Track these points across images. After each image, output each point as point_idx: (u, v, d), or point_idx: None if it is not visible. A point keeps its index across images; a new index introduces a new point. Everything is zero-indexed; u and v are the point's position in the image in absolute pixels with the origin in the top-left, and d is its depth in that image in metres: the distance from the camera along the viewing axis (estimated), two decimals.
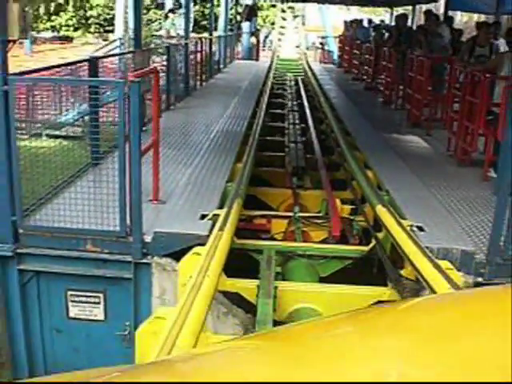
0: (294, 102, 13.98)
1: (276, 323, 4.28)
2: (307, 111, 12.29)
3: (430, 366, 0.88)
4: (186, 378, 1.03)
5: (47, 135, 14.89)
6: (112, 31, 31.80)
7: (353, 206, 6.72)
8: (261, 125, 9.78)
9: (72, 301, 4.93)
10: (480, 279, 4.57)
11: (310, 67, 21.74)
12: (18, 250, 4.78)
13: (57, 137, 14.65)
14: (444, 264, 3.82)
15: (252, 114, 10.78)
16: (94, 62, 6.17)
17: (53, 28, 33.76)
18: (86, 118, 9.27)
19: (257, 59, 26.39)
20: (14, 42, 4.32)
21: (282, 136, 10.28)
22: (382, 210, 5.15)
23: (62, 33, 36.13)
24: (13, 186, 4.61)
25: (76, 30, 37.42)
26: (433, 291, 3.59)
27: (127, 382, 1.11)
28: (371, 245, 5.50)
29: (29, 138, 15.05)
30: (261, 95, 13.50)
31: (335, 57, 25.93)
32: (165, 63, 10.67)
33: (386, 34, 15.76)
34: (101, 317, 4.96)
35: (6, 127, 4.44)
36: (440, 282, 3.46)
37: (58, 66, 6.04)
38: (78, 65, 6.60)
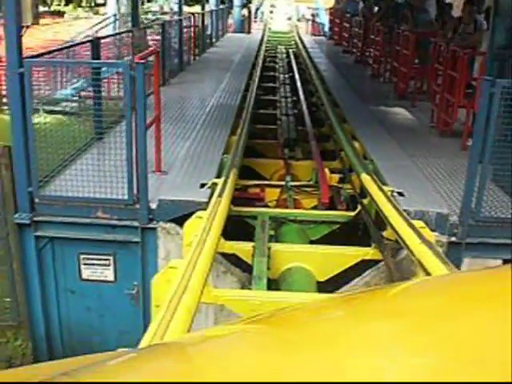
0: (286, 76, 14.30)
1: (270, 281, 4.75)
2: (298, 84, 12.64)
3: (425, 350, 0.88)
4: (180, 364, 1.02)
5: (45, 111, 15.17)
6: (103, 4, 31.75)
7: (341, 175, 7.16)
8: (254, 98, 10.15)
9: (84, 264, 5.41)
10: (453, 239, 5.07)
11: (301, 40, 21.95)
12: (35, 218, 5.23)
13: (54, 112, 14.97)
14: (417, 223, 4.29)
15: (245, 87, 11.13)
16: (96, 43, 6.53)
17: (44, 2, 33.63)
18: (82, 93, 9.64)
19: (248, 32, 26.48)
20: (27, 27, 4.69)
21: (274, 109, 10.65)
22: (366, 178, 5.61)
23: (53, 8, 35.99)
24: (29, 159, 5.03)
25: (67, 4, 37.25)
26: (406, 247, 4.07)
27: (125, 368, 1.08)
28: (357, 210, 5.96)
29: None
30: (253, 69, 13.80)
31: (326, 29, 26.11)
32: (158, 38, 10.95)
33: (376, 8, 16.01)
34: (111, 278, 5.44)
35: (23, 106, 4.83)
36: (413, 239, 3.93)
37: (67, 47, 6.39)
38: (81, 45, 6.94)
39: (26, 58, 4.84)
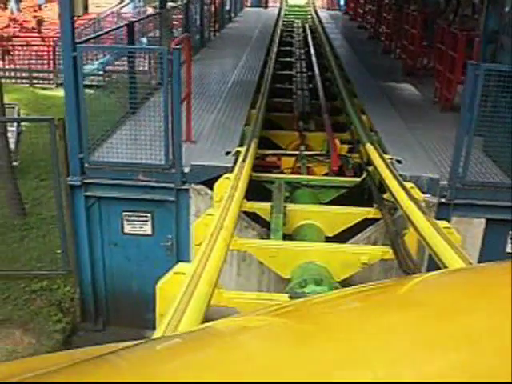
0: (302, 51, 14.93)
1: (284, 236, 5.57)
2: (313, 59, 13.29)
3: (440, 341, 0.88)
4: (192, 354, 1.01)
5: None
6: None
7: (350, 146, 7.92)
8: (271, 74, 10.85)
9: (126, 220, 6.29)
10: (443, 200, 5.86)
11: (317, 14, 22.40)
12: (85, 181, 6.10)
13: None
14: (408, 184, 5.07)
15: (263, 63, 11.82)
16: (131, 26, 7.31)
17: None
18: (108, 68, 10.37)
19: (266, 6, 26.89)
20: (78, 17, 5.47)
21: (291, 83, 11.37)
22: (370, 148, 6.37)
23: None
24: (80, 130, 5.87)
25: None
26: (400, 206, 4.85)
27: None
28: (363, 176, 6.74)
29: (56, 87, 16.25)
30: (270, 45, 14.43)
31: (342, 3, 26.48)
32: (180, 17, 11.63)
33: None
34: (149, 232, 6.32)
35: (75, 84, 5.65)
36: (404, 199, 4.72)
37: (106, 33, 7.16)
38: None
39: (79, 43, 5.65)
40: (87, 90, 14.23)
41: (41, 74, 16.65)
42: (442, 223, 4.21)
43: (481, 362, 0.81)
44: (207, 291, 3.01)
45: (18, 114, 9.56)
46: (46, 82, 16.44)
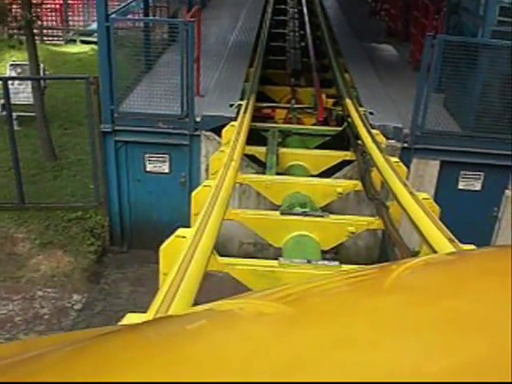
0: (295, 10, 15.90)
1: (277, 174, 6.88)
2: (306, 19, 14.31)
3: (427, 325, 0.89)
4: (182, 338, 1.00)
5: (81, 41, 17.04)
6: None
7: (335, 100, 9.18)
8: (267, 33, 11.93)
9: (148, 160, 7.61)
10: (405, 145, 7.20)
11: None
12: (114, 128, 7.38)
13: (89, 42, 16.79)
14: (375, 131, 6.38)
15: (259, 23, 12.86)
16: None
17: None
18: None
19: None
20: None
21: (284, 42, 12.49)
22: (349, 102, 7.63)
23: None
24: (111, 86, 7.11)
25: None
26: (367, 149, 6.13)
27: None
28: (343, 126, 8.03)
29: (65, 43, 17.27)
30: (266, 3, 15.33)
31: None
32: None
33: None
34: (167, 170, 7.65)
35: (108, 50, 6.86)
36: (369, 141, 6.02)
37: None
38: None
39: (111, 14, 6.85)
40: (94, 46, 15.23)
41: (50, 31, 17.56)
42: (393, 159, 5.50)
43: (468, 346, 0.81)
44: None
45: (44, 72, 10.68)
46: (55, 38, 17.38)
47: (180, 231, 3.66)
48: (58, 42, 17.13)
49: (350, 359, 0.81)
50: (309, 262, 4.25)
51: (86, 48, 17.06)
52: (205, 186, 4.74)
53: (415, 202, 4.10)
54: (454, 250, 3.57)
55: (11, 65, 11.07)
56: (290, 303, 1.10)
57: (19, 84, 10.54)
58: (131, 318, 2.53)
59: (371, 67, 9.69)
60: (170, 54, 8.70)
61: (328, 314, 1.01)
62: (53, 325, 6.61)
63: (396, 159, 5.53)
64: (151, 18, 9.07)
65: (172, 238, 3.62)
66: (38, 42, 17.16)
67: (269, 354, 0.85)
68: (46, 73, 11.17)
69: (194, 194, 4.91)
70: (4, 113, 10.45)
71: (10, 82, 9.83)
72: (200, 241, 3.41)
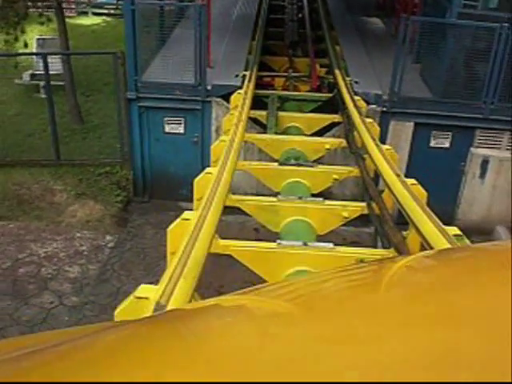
0: None
1: (277, 133, 8.13)
2: None
3: (423, 320, 0.89)
4: (182, 334, 1.02)
5: (93, 13, 18.05)
6: None
7: (327, 69, 10.37)
8: (267, 6, 13.00)
9: (166, 123, 8.86)
10: (384, 109, 8.44)
11: None
12: (138, 95, 8.61)
13: (100, 14, 17.82)
14: (356, 98, 7.60)
15: None
16: None
17: None
18: None
19: None
20: None
21: (283, 14, 13.57)
22: (336, 72, 8.83)
23: None
24: (136, 59, 8.32)
25: None
26: (351, 113, 7.35)
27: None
28: (334, 92, 9.24)
29: (78, 15, 18.33)
30: None
31: None
32: None
33: None
34: (182, 131, 8.91)
35: (133, 28, 8.04)
36: (351, 105, 7.24)
37: None
38: None
39: None
40: (109, 19, 16.42)
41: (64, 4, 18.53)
42: (368, 120, 6.72)
43: (465, 340, 0.80)
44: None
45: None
46: (67, 11, 18.35)
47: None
48: (70, 15, 18.11)
49: (350, 354, 0.80)
50: (300, 198, 5.48)
51: (98, 20, 18.11)
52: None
53: (379, 152, 5.36)
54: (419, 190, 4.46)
55: (38, 39, 12.18)
56: (291, 300, 1.08)
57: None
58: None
59: (359, 39, 10.83)
60: (181, 29, 9.92)
61: (329, 310, 1.00)
62: (91, 259, 7.99)
63: (370, 120, 6.75)
64: (173, 2, 10.21)
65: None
66: (53, 15, 18.30)
67: (270, 350, 0.84)
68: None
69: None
70: (32, 82, 11.73)
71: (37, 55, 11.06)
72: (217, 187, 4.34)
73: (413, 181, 4.65)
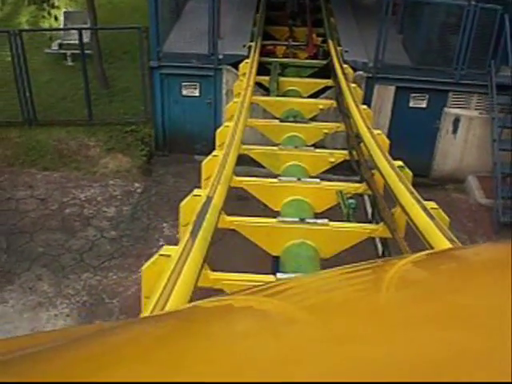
0: None
1: (278, 95, 9.51)
2: None
3: (430, 320, 0.88)
4: (176, 335, 0.99)
5: None
6: None
7: (323, 38, 11.67)
8: None
9: (184, 87, 10.25)
10: (370, 75, 9.82)
11: None
12: (160, 64, 9.99)
13: None
14: (345, 65, 8.95)
15: None
16: None
17: None
18: None
19: None
20: None
21: None
22: (330, 42, 10.15)
23: None
24: (158, 32, 9.67)
25: None
26: (337, 74, 8.71)
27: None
28: (328, 60, 10.57)
29: None
30: None
31: None
32: None
33: None
34: (197, 94, 10.31)
35: (155, 5, 9.36)
36: (340, 72, 8.61)
37: None
38: None
39: None
40: None
41: None
42: (353, 85, 8.11)
43: (472, 340, 0.79)
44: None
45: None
46: None
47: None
48: None
49: (348, 354, 0.79)
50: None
51: None
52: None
53: (358, 112, 6.77)
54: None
55: (64, 12, 13.43)
56: (288, 300, 1.07)
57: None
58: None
59: (352, 12, 12.10)
60: (193, 2, 11.24)
61: (326, 309, 0.99)
62: (124, 201, 9.51)
63: (354, 85, 8.14)
64: None
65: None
66: None
67: (267, 351, 0.83)
68: None
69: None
70: (60, 51, 13.06)
71: (63, 25, 12.39)
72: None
73: (379, 131, 6.06)
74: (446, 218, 3.90)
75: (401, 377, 0.72)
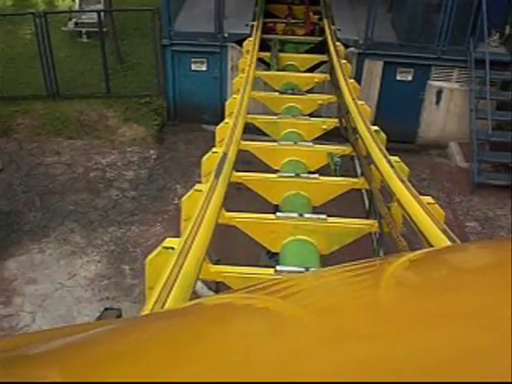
0: None
1: (278, 70, 10.50)
2: None
3: (426, 318, 0.88)
4: (177, 334, 1.00)
5: None
6: None
7: (319, 16, 12.60)
8: None
9: (193, 62, 11.26)
10: (360, 51, 10.81)
11: None
12: (171, 42, 10.97)
13: None
14: (337, 43, 9.93)
15: None
16: None
17: None
18: None
19: None
20: None
21: None
22: (325, 21, 11.08)
23: None
24: (169, 13, 10.63)
25: None
26: (330, 50, 9.70)
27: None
28: (323, 38, 11.52)
29: None
30: None
31: None
32: None
33: None
34: (205, 69, 11.32)
35: None
36: (332, 48, 9.60)
37: None
38: None
39: None
40: None
41: None
42: (343, 61, 9.11)
43: (469, 338, 0.79)
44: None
45: None
46: None
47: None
48: None
49: (347, 353, 0.79)
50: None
51: None
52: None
53: (346, 85, 7.79)
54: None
55: None
56: (289, 297, 1.07)
57: (86, 6, 13.91)
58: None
59: None
60: None
61: (327, 307, 0.99)
62: (141, 166, 10.60)
63: (345, 61, 9.14)
64: None
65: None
66: None
67: (266, 349, 0.84)
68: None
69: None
70: (76, 29, 14.00)
71: (79, 4, 13.33)
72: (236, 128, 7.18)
73: (362, 102, 7.11)
74: (406, 168, 4.98)
75: (400, 375, 0.71)
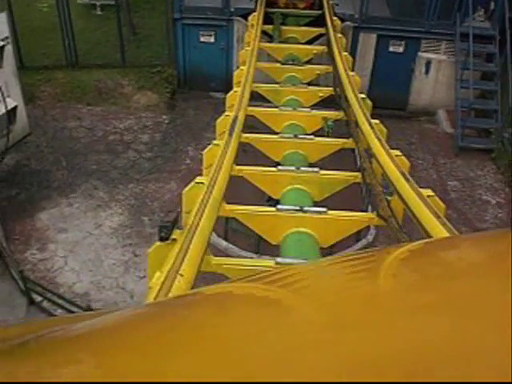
0: None
1: (280, 41, 11.38)
2: None
3: (424, 307, 0.88)
4: (180, 318, 1.02)
5: None
6: None
7: None
8: None
9: (201, 35, 12.13)
10: (356, 25, 11.66)
11: None
12: (181, 16, 11.83)
13: None
14: (334, 18, 10.79)
15: None
16: None
17: None
18: None
19: None
20: None
21: None
22: (324, 1, 11.92)
23: None
24: None
25: None
26: (328, 27, 10.57)
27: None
28: (322, 11, 12.34)
29: None
30: None
31: None
32: None
33: None
34: (213, 41, 12.19)
35: None
36: (329, 23, 10.46)
37: None
38: None
39: None
40: None
41: None
42: (339, 35, 9.99)
43: (467, 328, 0.79)
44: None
45: None
46: None
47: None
48: None
49: (347, 342, 0.79)
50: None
51: None
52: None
53: (340, 57, 8.70)
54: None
55: None
56: (288, 287, 1.06)
57: None
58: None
59: None
60: None
61: (324, 296, 0.99)
62: (155, 130, 11.58)
63: (340, 35, 10.02)
64: None
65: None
66: None
67: (266, 338, 0.84)
68: None
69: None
70: (91, 1, 14.80)
71: None
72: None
73: (353, 72, 8.04)
74: (384, 129, 5.97)
75: (400, 363, 0.72)
